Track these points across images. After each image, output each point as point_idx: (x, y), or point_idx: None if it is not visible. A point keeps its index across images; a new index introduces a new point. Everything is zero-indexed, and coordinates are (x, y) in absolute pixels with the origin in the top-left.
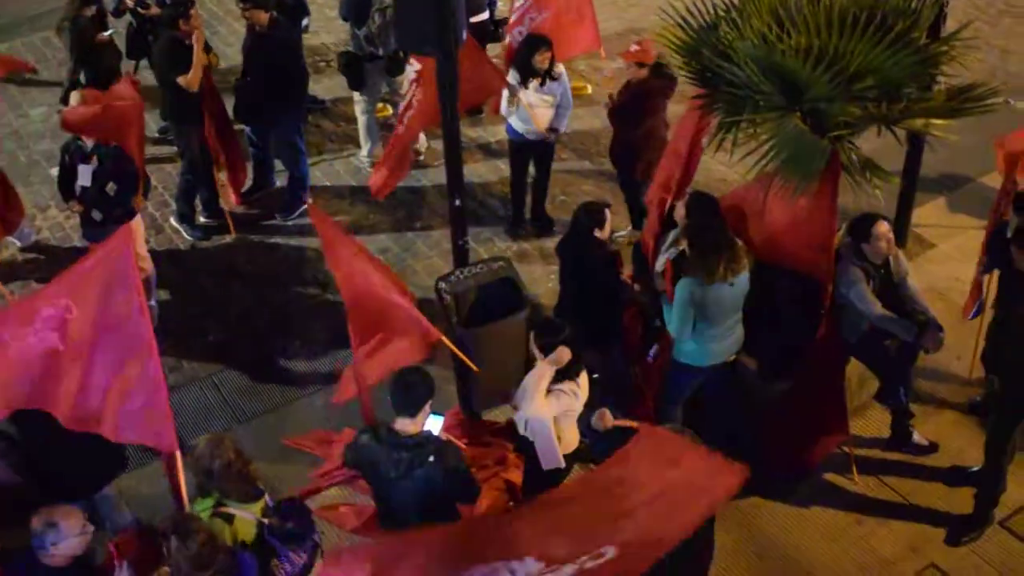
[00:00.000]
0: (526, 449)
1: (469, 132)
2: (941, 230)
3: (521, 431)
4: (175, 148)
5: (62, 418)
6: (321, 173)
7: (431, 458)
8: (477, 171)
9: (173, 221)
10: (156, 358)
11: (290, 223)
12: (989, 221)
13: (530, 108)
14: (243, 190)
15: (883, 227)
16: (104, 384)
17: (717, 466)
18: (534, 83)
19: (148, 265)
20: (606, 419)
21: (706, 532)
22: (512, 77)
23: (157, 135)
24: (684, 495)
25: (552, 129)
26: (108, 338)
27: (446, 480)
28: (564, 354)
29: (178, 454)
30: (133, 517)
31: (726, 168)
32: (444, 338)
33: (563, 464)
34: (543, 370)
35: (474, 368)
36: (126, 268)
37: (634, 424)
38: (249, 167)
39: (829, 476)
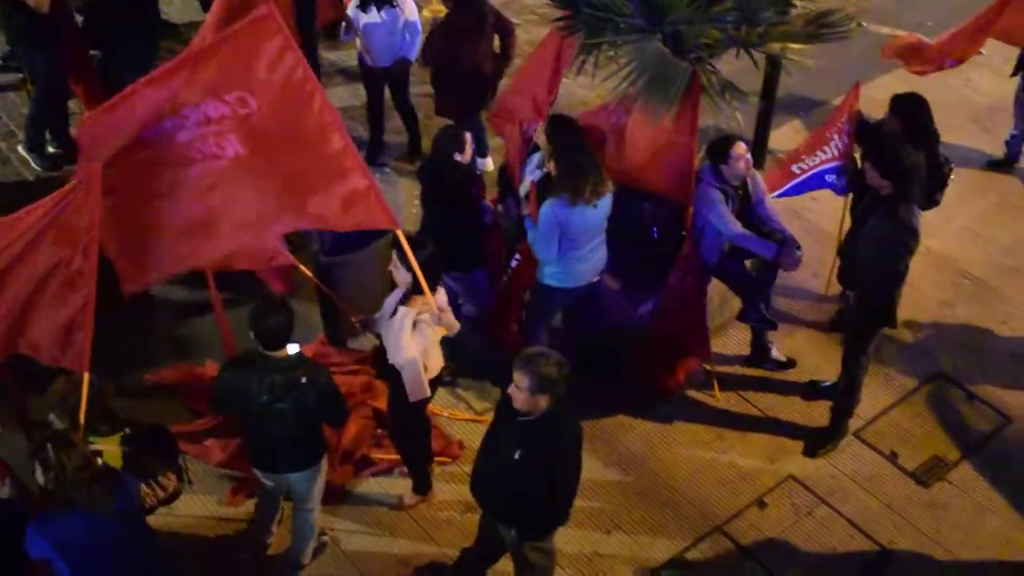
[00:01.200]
0: (391, 377)
1: (328, 55)
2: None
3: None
4: (20, 75)
5: None
6: None
7: (304, 379)
8: (337, 94)
9: (21, 150)
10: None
11: None
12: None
13: (367, 35)
14: None
15: (740, 148)
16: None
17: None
18: (373, 8)
19: None
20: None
21: (575, 452)
22: (352, 2)
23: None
24: None
25: (402, 59)
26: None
27: (318, 402)
28: (404, 276)
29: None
30: None
31: (587, 91)
32: (303, 268)
33: (428, 394)
34: (405, 313)
35: (332, 297)
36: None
37: None
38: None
39: (691, 393)
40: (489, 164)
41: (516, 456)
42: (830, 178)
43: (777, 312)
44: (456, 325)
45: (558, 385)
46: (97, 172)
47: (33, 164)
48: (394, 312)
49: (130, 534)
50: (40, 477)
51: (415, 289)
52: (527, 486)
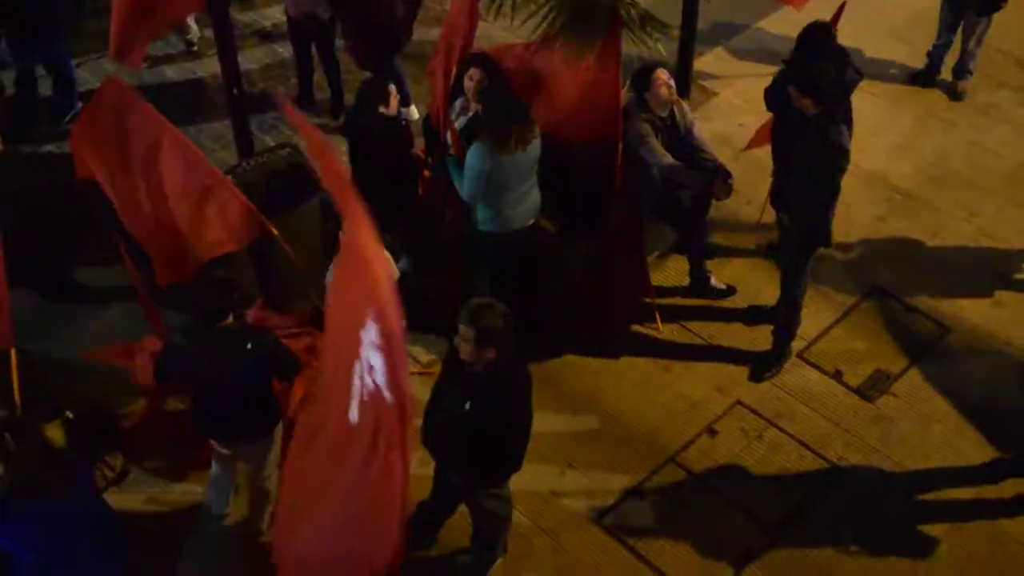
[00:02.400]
0: None
1: (241, 17)
2: (722, 79)
3: None
4: None
5: None
6: (88, 74)
7: (249, 346)
8: (254, 56)
9: None
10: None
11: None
12: None
13: None
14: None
15: (663, 74)
16: None
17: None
18: None
19: None
20: None
21: (524, 399)
22: None
23: None
24: None
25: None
26: None
27: (268, 363)
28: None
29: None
30: None
31: (508, 33)
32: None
33: None
34: None
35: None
36: None
37: None
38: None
39: (635, 328)
40: (414, 112)
41: (466, 407)
42: None
43: (713, 241)
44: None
45: (504, 336)
46: None
47: None
48: None
49: (91, 517)
50: None
51: None
52: (478, 436)
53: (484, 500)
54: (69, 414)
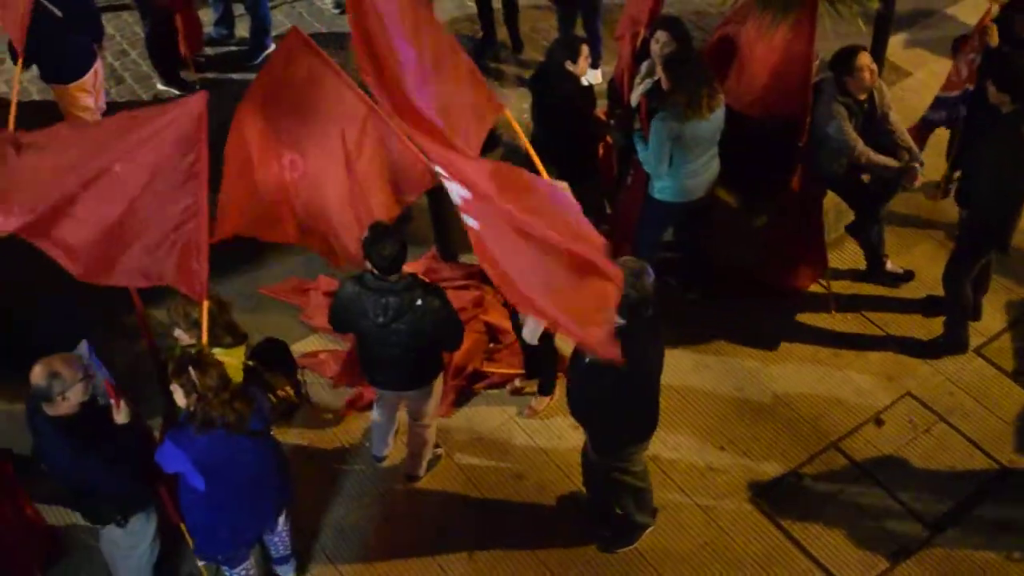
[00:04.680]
0: None
1: None
2: (914, 59)
3: None
4: None
5: (78, 269)
6: (283, 16)
7: (419, 301)
8: (444, 8)
9: (160, 85)
10: (205, 214)
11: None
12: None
13: None
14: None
15: (865, 58)
16: (144, 237)
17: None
18: None
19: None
20: None
21: (644, 368)
22: None
23: None
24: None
25: None
26: (155, 195)
27: (433, 324)
28: None
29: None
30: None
31: (702, 0)
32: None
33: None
34: None
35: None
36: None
37: None
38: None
39: (807, 310)
40: (598, 76)
41: (587, 360)
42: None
43: (895, 225)
44: None
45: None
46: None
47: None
48: None
49: (264, 451)
50: (181, 399)
51: None
52: (596, 393)
53: (616, 475)
54: (249, 345)
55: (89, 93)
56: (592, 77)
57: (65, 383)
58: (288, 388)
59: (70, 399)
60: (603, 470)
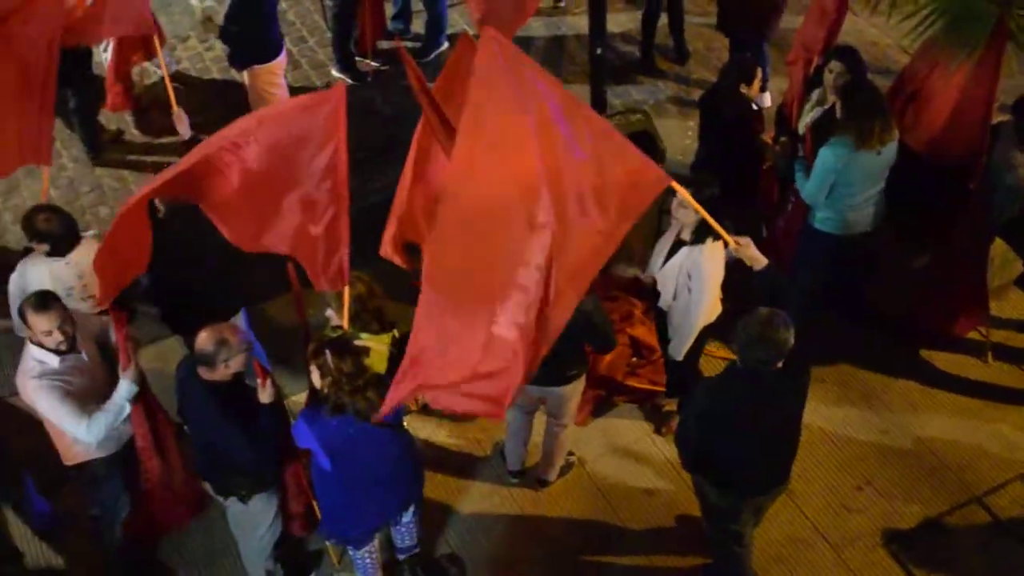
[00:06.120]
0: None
1: None
2: None
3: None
4: None
5: (235, 236)
6: (459, 16)
7: None
8: (618, 20)
9: (334, 72)
10: (346, 203)
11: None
12: None
13: None
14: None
15: None
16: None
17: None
18: None
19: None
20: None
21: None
22: None
23: None
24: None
25: None
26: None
27: (582, 327)
28: (687, 215)
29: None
30: None
31: (879, 32)
32: None
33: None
34: (712, 274)
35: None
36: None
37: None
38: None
39: (961, 357)
40: (767, 100)
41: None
42: None
43: None
44: (762, 259)
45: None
46: (342, 91)
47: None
48: (670, 254)
49: (393, 444)
50: (316, 380)
51: (701, 232)
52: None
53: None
54: (396, 333)
55: (281, 75)
56: (763, 100)
57: (231, 351)
58: None
59: (230, 367)
60: (702, 507)
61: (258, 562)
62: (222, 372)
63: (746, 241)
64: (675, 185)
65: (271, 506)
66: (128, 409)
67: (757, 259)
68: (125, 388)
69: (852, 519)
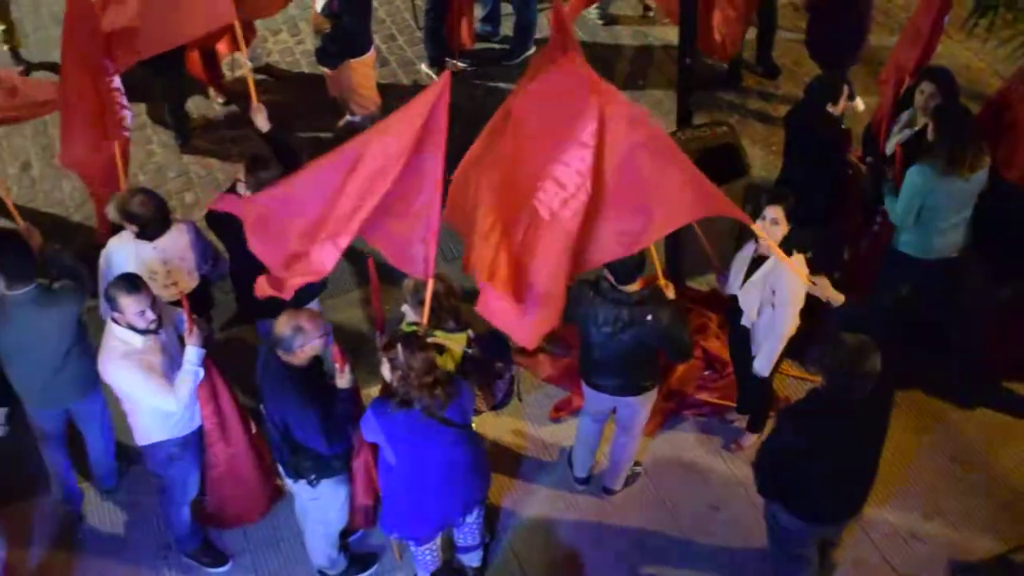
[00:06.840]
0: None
1: None
2: None
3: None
4: None
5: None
6: (547, 20)
7: (648, 317)
8: None
9: (423, 68)
10: (439, 194)
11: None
12: None
13: None
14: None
15: None
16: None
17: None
18: None
19: (372, 103)
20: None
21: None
22: None
23: None
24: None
25: None
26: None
27: (659, 338)
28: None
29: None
30: None
31: (972, 55)
32: None
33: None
34: (797, 289)
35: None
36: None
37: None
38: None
39: None
40: (860, 104)
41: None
42: None
43: None
44: (839, 297)
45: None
46: (447, 80)
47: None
48: (750, 271)
49: (458, 443)
50: (387, 373)
51: (785, 247)
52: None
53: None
54: (471, 333)
55: (374, 69)
56: (858, 105)
57: (307, 337)
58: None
59: (307, 352)
60: (769, 528)
61: (322, 549)
62: (299, 356)
63: (824, 282)
64: (756, 229)
65: (339, 494)
66: (202, 374)
67: (834, 297)
68: (192, 352)
69: (919, 547)
